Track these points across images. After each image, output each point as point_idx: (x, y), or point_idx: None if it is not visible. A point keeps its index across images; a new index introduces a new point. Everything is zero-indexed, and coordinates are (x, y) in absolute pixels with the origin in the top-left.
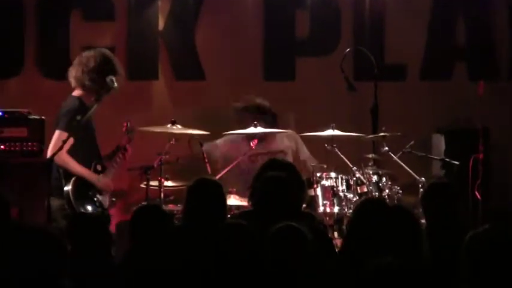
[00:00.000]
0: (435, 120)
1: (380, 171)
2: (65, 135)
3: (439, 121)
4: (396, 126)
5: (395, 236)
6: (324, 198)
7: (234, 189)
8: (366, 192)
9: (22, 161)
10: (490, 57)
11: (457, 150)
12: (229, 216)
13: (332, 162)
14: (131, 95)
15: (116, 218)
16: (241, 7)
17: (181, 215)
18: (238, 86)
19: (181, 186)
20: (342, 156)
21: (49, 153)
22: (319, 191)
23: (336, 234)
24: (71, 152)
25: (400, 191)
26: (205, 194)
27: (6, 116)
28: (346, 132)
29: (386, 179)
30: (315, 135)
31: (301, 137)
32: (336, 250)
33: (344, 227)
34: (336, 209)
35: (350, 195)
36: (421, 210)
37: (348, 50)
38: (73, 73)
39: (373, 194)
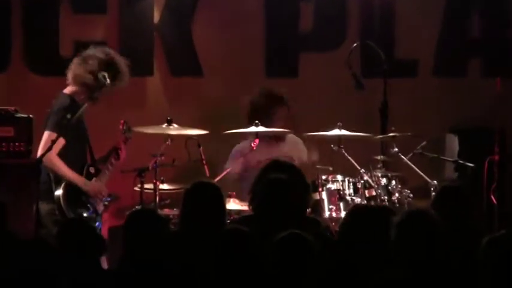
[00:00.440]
0: (448, 119)
1: (389, 174)
2: (54, 135)
3: (453, 120)
4: (407, 126)
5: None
6: (329, 203)
7: (234, 193)
8: (374, 196)
9: (8, 163)
10: (507, 52)
11: (471, 151)
12: (228, 221)
13: (338, 164)
14: (124, 92)
15: (108, 222)
16: None
17: (178, 220)
18: (238, 82)
19: (177, 189)
20: (349, 157)
21: (38, 155)
22: (324, 195)
23: None
24: (62, 154)
25: (411, 195)
26: (203, 197)
27: None
28: (353, 132)
29: (396, 182)
30: (320, 136)
31: (307, 137)
32: None
33: None
34: (343, 214)
35: (357, 199)
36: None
37: (355, 44)
38: (73, 68)
39: (382, 197)
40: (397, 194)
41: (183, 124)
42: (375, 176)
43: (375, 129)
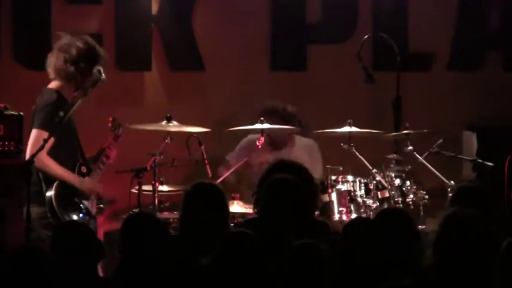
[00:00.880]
0: (466, 115)
1: (403, 174)
2: (45, 134)
3: (470, 117)
4: (421, 123)
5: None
6: (339, 205)
7: (238, 195)
8: (387, 198)
9: None
10: None
11: (490, 149)
12: (232, 225)
13: (349, 164)
14: (120, 88)
15: (104, 226)
16: None
17: (178, 224)
18: (242, 77)
19: (177, 191)
20: (360, 156)
21: (28, 155)
22: (334, 197)
23: None
24: (51, 154)
25: (426, 196)
26: (204, 200)
27: None
28: (364, 129)
29: (410, 183)
30: (330, 133)
31: (315, 135)
32: None
33: None
34: (354, 217)
35: (369, 201)
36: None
37: (366, 36)
38: (52, 62)
39: (396, 199)
40: (411, 196)
41: (184, 121)
42: (387, 176)
43: (387, 126)
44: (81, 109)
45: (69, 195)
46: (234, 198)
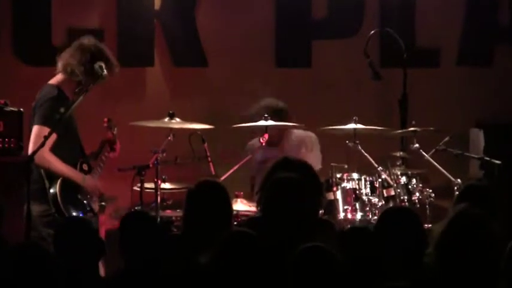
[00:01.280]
0: (473, 112)
1: (409, 172)
2: (47, 130)
3: (478, 114)
4: (428, 120)
5: None
6: (344, 203)
7: (241, 193)
8: (393, 196)
9: None
10: None
11: (498, 147)
12: (235, 223)
13: (354, 162)
14: (122, 84)
15: (105, 224)
16: None
17: (181, 222)
18: (246, 73)
19: (180, 189)
20: (366, 154)
21: (30, 152)
22: (339, 195)
23: None
24: (54, 150)
25: (433, 195)
26: (207, 198)
27: None
28: (370, 126)
29: (416, 181)
30: (335, 130)
31: (320, 132)
32: None
33: None
34: (359, 216)
35: (375, 200)
36: None
37: (372, 31)
38: (65, 57)
39: (402, 197)
40: (417, 194)
41: (186, 118)
42: (393, 174)
43: (393, 124)
44: (82, 105)
45: (72, 192)
46: (237, 196)
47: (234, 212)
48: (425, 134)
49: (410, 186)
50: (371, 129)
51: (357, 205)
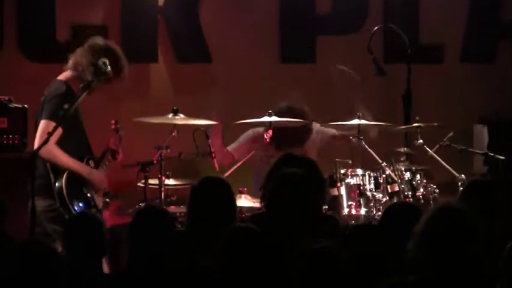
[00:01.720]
0: (477, 108)
1: (413, 168)
2: (53, 125)
3: (482, 110)
4: (432, 116)
5: None
6: (348, 199)
7: (245, 189)
8: (397, 192)
9: (1, 157)
10: None
11: (502, 143)
12: (239, 219)
13: (358, 157)
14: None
15: (109, 221)
16: None
17: (185, 219)
18: (250, 69)
19: (184, 185)
20: (370, 150)
21: (36, 147)
22: (343, 191)
23: None
24: (60, 145)
25: (437, 190)
26: (211, 194)
27: None
28: (374, 122)
29: (420, 177)
30: (339, 126)
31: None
32: None
33: None
34: (363, 211)
35: (379, 195)
36: None
37: (376, 27)
38: (77, 55)
39: (406, 193)
40: (422, 190)
41: (190, 114)
42: (397, 169)
43: (397, 119)
44: (86, 102)
45: (77, 186)
46: (241, 192)
47: (238, 208)
48: (429, 130)
49: (414, 182)
50: (375, 125)
51: (361, 201)
